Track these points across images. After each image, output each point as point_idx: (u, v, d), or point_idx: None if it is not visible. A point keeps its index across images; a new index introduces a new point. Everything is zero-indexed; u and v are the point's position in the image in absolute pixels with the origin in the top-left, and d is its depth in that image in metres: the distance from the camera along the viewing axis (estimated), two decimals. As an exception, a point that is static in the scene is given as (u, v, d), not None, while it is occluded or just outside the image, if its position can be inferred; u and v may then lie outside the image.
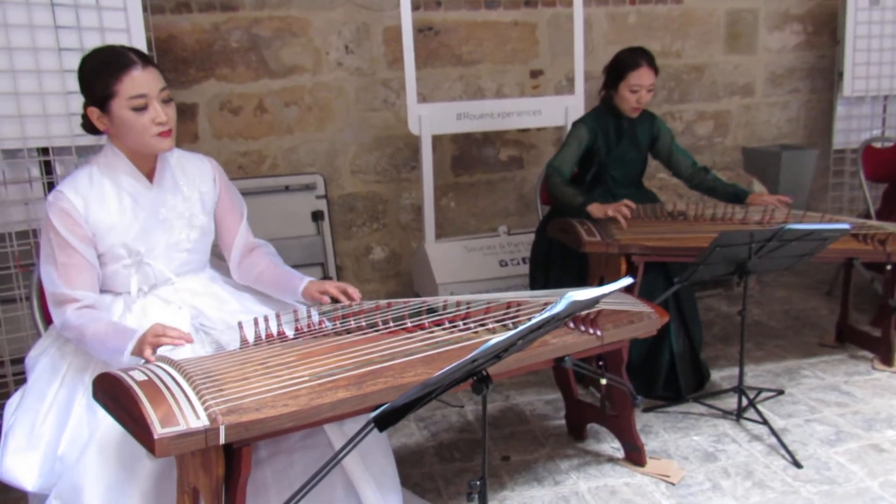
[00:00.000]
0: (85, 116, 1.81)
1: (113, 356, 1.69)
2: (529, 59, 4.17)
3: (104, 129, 1.81)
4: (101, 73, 1.75)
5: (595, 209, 2.75)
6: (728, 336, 3.45)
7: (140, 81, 1.75)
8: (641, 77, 2.79)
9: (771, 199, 2.93)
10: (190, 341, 1.69)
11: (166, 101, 1.80)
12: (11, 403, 1.84)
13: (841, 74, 4.20)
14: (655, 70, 2.84)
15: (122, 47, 1.81)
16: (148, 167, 1.87)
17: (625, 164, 2.98)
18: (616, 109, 2.91)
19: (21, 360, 1.95)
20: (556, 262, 2.99)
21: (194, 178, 1.96)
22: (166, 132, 1.80)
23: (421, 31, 3.89)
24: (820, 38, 4.73)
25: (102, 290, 1.87)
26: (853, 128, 4.28)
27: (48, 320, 1.88)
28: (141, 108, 1.75)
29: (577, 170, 3.01)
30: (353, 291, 1.93)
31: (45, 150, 2.79)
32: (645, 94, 2.82)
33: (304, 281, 1.97)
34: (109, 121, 1.78)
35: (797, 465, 2.37)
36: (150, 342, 1.64)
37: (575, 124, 2.97)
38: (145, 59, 1.78)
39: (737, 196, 2.96)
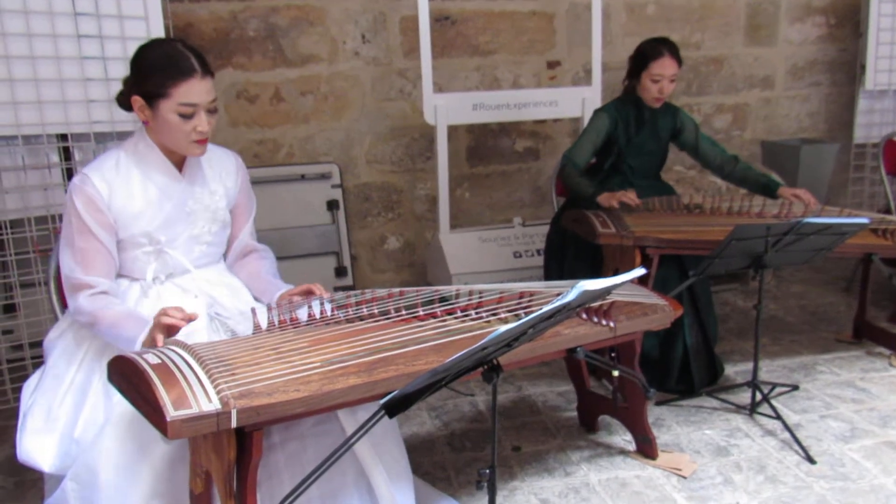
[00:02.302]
0: (125, 95, 1.82)
1: (126, 344, 1.70)
2: (547, 49, 4.15)
3: (143, 120, 1.82)
4: (161, 71, 1.75)
5: (604, 199, 2.76)
6: (743, 330, 3.43)
7: (195, 91, 1.76)
8: (664, 67, 2.78)
9: (803, 193, 2.87)
10: (193, 318, 1.69)
11: (211, 111, 1.81)
12: (29, 385, 1.87)
13: (863, 67, 4.14)
14: (679, 60, 2.82)
15: (185, 46, 1.80)
16: (178, 159, 1.88)
17: (643, 155, 2.97)
18: (638, 99, 2.90)
19: (40, 344, 1.97)
20: (570, 254, 2.98)
21: (220, 173, 1.98)
22: (203, 140, 1.82)
23: (438, 20, 3.88)
24: (842, 31, 4.66)
25: (120, 276, 1.89)
26: (875, 122, 4.22)
27: (66, 304, 1.90)
28: (188, 116, 1.76)
29: (594, 159, 3.00)
30: (320, 290, 1.90)
31: (63, 137, 2.82)
32: (667, 84, 2.81)
33: (279, 291, 1.96)
34: (152, 115, 1.79)
35: (811, 460, 2.35)
36: (157, 325, 1.66)
37: (596, 112, 2.97)
38: (205, 68, 1.79)
39: (767, 188, 2.93)
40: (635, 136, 2.92)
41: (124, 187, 1.81)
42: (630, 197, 2.75)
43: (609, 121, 2.89)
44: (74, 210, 1.77)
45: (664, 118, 2.96)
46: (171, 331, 1.67)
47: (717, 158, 3.02)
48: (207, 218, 1.93)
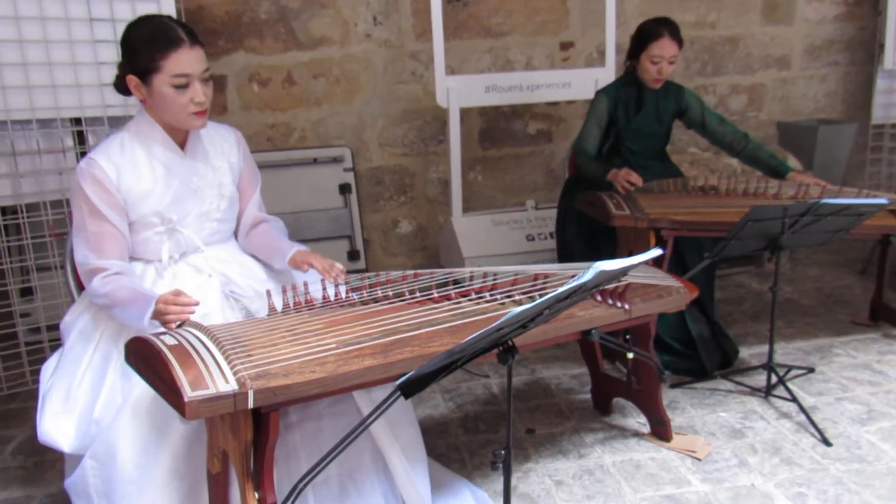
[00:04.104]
0: (121, 77, 1.83)
1: (135, 320, 1.71)
2: (560, 30, 4.11)
3: (141, 99, 1.82)
4: (148, 45, 1.75)
5: (612, 175, 2.78)
6: (758, 313, 3.41)
7: (185, 61, 1.75)
8: (663, 48, 2.76)
9: (811, 179, 2.87)
10: (196, 303, 1.68)
11: (206, 81, 1.81)
12: (48, 367, 1.89)
13: (882, 46, 4.06)
14: (679, 42, 2.80)
15: (171, 20, 1.81)
16: (180, 137, 1.89)
17: (643, 137, 2.96)
18: (639, 81, 2.89)
19: (57, 327, 1.99)
20: (571, 233, 3.01)
21: (223, 148, 1.99)
22: (202, 111, 1.81)
23: (450, 2, 3.85)
24: (860, 9, 4.58)
25: (134, 259, 1.90)
26: (894, 102, 4.15)
27: (82, 287, 1.91)
28: (182, 87, 1.76)
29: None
30: (338, 271, 1.89)
31: (77, 121, 2.83)
32: (666, 65, 2.79)
33: (293, 248, 1.97)
34: (148, 92, 1.79)
35: (826, 443, 2.34)
36: (160, 310, 1.66)
37: (597, 94, 2.97)
38: (193, 38, 1.78)
39: (776, 171, 2.92)
40: (634, 118, 2.91)
41: (131, 167, 1.81)
42: (633, 178, 2.75)
43: (609, 102, 2.90)
44: (83, 194, 1.77)
45: (666, 99, 2.94)
46: (165, 312, 1.67)
47: (726, 136, 2.99)
48: (214, 194, 1.94)
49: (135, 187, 1.82)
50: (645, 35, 2.80)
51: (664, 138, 3.02)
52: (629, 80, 2.91)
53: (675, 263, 2.79)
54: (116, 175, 1.79)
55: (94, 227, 1.78)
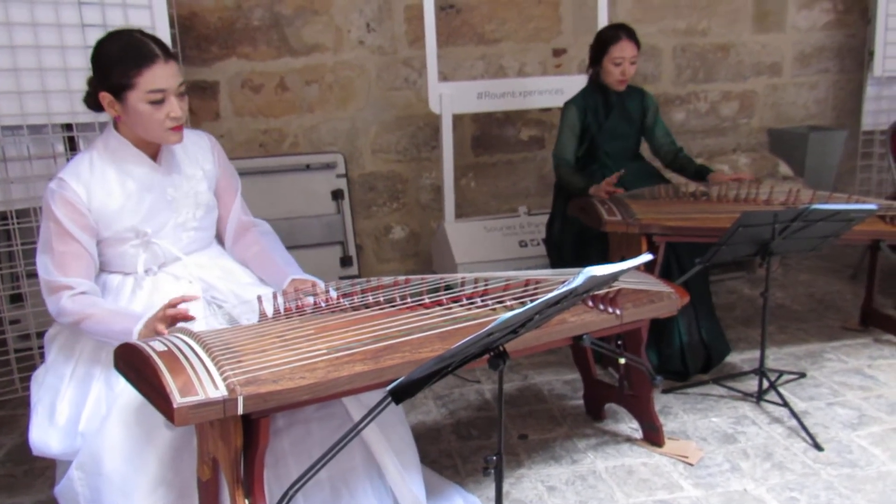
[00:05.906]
0: (92, 94, 1.81)
1: (120, 338, 1.68)
2: (552, 37, 4.13)
3: (114, 116, 1.80)
4: (122, 62, 1.73)
5: (593, 191, 2.81)
6: (749, 318, 3.42)
7: (161, 76, 1.74)
8: (623, 49, 2.85)
9: (728, 176, 2.97)
10: (196, 297, 1.69)
11: (181, 95, 1.79)
12: (36, 378, 1.87)
13: (872, 54, 4.09)
14: (637, 43, 2.90)
15: (143, 34, 1.78)
16: (152, 150, 1.87)
17: (617, 138, 3.01)
18: (603, 85, 2.97)
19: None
20: (565, 236, 3.03)
21: (196, 156, 1.96)
22: (179, 126, 1.80)
23: (443, 8, 3.86)
24: (850, 17, 4.62)
25: (111, 272, 1.88)
26: (883, 108, 4.18)
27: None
28: (158, 102, 1.74)
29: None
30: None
31: (68, 126, 2.82)
32: (628, 66, 2.88)
33: (287, 279, 1.94)
34: (122, 109, 1.77)
35: (818, 447, 2.34)
36: (161, 318, 1.65)
37: (566, 105, 3.02)
38: (167, 53, 1.77)
39: (699, 173, 3.00)
40: (605, 121, 2.97)
41: (101, 186, 1.79)
42: (607, 188, 2.75)
43: (578, 111, 2.96)
44: (53, 215, 1.75)
45: (632, 100, 3.02)
46: (175, 320, 1.68)
47: (664, 146, 3.09)
48: (190, 204, 1.92)
49: (106, 206, 1.79)
50: (604, 40, 2.89)
51: (636, 138, 3.09)
52: (594, 88, 2.99)
53: (674, 269, 2.79)
54: (87, 195, 1.77)
55: (61, 248, 1.75)
